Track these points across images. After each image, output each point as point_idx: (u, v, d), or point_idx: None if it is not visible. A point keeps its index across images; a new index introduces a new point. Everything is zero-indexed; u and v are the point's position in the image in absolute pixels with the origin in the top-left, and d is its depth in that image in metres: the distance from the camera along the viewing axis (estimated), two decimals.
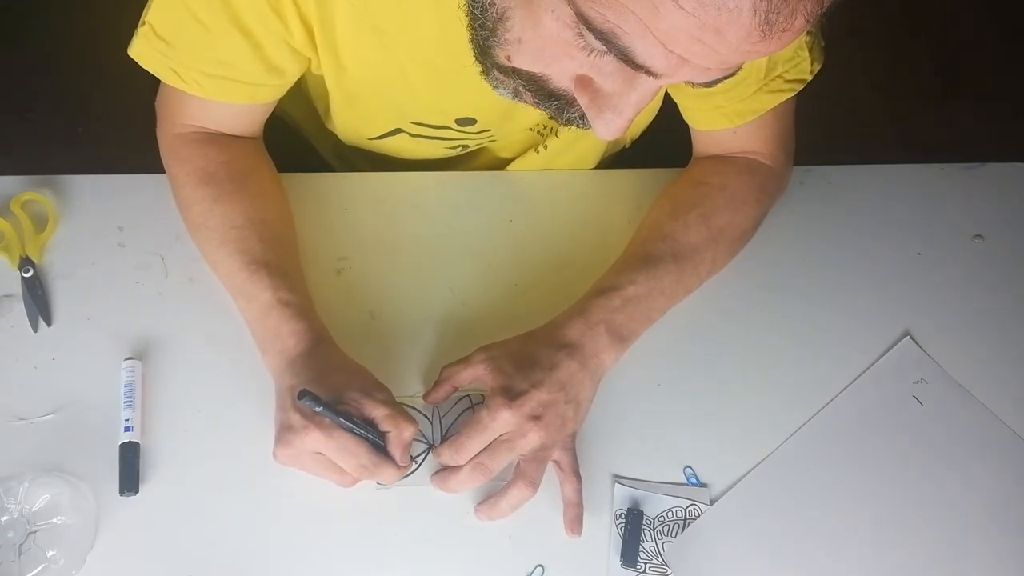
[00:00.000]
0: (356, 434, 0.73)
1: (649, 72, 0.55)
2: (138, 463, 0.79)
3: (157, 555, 0.76)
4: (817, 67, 0.86)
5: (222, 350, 0.84)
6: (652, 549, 0.79)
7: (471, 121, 0.88)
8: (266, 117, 0.90)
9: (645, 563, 0.78)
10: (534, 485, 0.77)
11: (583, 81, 0.60)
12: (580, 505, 0.79)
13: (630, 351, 0.84)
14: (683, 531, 0.80)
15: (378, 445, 0.75)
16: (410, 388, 0.84)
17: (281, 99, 0.87)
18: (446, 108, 0.88)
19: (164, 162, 0.88)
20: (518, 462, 0.78)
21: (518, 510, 0.77)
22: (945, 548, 0.81)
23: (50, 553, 0.74)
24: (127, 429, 0.79)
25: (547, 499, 0.79)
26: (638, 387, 0.86)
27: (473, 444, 0.77)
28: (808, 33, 0.83)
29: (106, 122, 1.77)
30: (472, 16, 0.62)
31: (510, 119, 0.89)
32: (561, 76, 0.61)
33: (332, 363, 0.79)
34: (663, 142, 1.00)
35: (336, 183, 0.97)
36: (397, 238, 0.92)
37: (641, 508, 0.80)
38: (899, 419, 0.86)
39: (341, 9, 0.76)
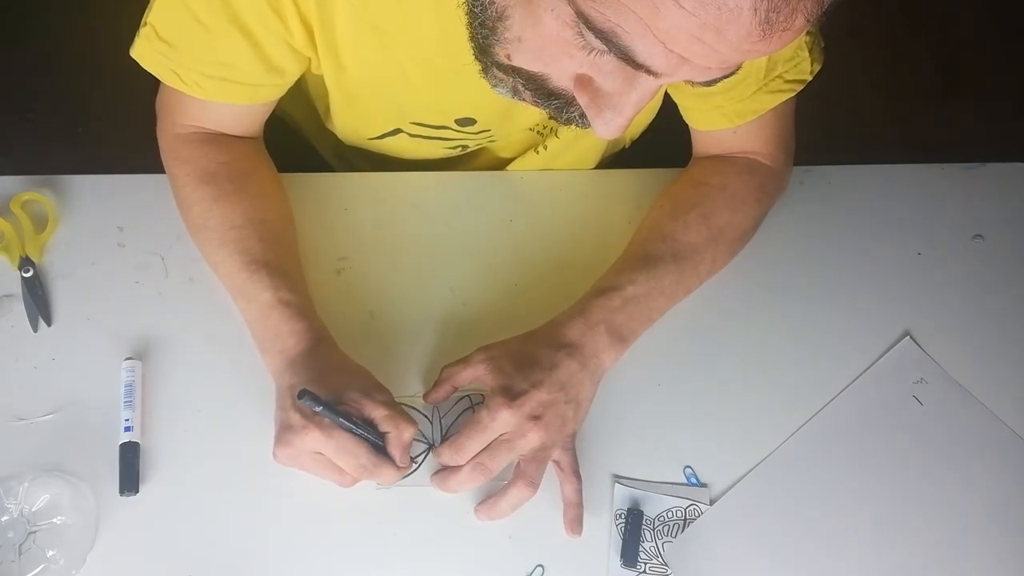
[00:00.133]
0: (356, 434, 0.73)
1: (649, 71, 0.55)
2: (138, 463, 0.79)
3: (157, 555, 0.76)
4: (817, 67, 0.86)
5: (222, 350, 0.84)
6: (652, 549, 0.79)
7: (471, 121, 0.88)
8: (266, 117, 0.90)
9: (645, 563, 0.78)
10: (534, 485, 0.77)
11: (583, 80, 0.60)
12: (580, 505, 0.79)
13: (630, 351, 0.84)
14: (683, 531, 0.80)
15: (378, 445, 0.75)
16: (410, 388, 0.84)
17: (281, 99, 0.87)
18: (446, 108, 0.88)
19: (164, 162, 0.88)
20: (518, 462, 0.78)
21: (518, 510, 0.77)
22: (945, 548, 0.81)
23: (50, 553, 0.74)
24: (127, 429, 0.79)
25: (547, 499, 0.79)
26: (638, 387, 0.86)
27: (473, 444, 0.77)
28: (808, 33, 0.83)
29: (106, 122, 1.77)
30: (472, 15, 0.62)
31: (510, 119, 0.89)
32: (561, 75, 0.61)
33: (332, 363, 0.79)
34: (663, 142, 1.00)
35: (336, 183, 0.97)
36: (397, 238, 0.92)
37: (641, 508, 0.80)
38: (899, 419, 0.86)
39: (341, 9, 0.76)
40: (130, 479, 0.78)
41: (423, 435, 0.81)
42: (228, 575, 0.76)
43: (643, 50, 0.53)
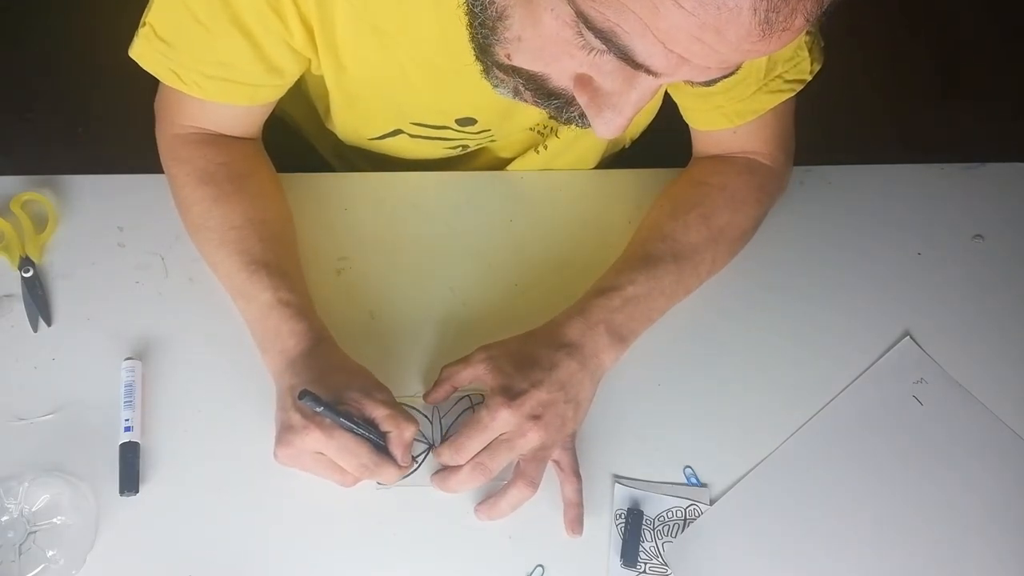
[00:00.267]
0: (357, 434, 0.73)
1: (649, 71, 0.55)
2: (138, 463, 0.79)
3: (157, 555, 0.76)
4: (817, 67, 0.86)
5: (222, 350, 0.84)
6: (652, 549, 0.79)
7: (471, 121, 0.88)
8: (265, 118, 0.90)
9: (645, 563, 0.78)
10: (534, 485, 0.77)
11: (583, 80, 0.60)
12: (580, 505, 0.79)
13: (630, 351, 0.84)
14: (683, 531, 0.80)
15: (379, 445, 0.75)
16: (410, 388, 0.84)
17: (281, 99, 0.87)
18: (446, 108, 0.88)
19: (163, 163, 0.88)
20: (518, 462, 0.78)
21: (518, 510, 0.77)
22: (945, 548, 0.81)
23: (50, 553, 0.74)
24: (127, 429, 0.79)
25: (547, 499, 0.79)
26: (638, 387, 0.86)
27: (473, 444, 0.77)
28: (808, 33, 0.83)
29: (106, 122, 1.77)
30: (472, 14, 0.62)
31: (510, 119, 0.89)
32: (561, 75, 0.61)
33: (332, 363, 0.79)
34: (663, 142, 1.00)
35: (336, 183, 0.97)
36: (397, 238, 0.92)
37: (641, 508, 0.80)
38: (899, 419, 0.86)
39: (341, 9, 0.76)
40: (130, 479, 0.78)
41: (423, 435, 0.81)
42: (228, 575, 0.76)
43: (643, 50, 0.53)
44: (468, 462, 0.77)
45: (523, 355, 0.80)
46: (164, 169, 0.88)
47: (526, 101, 0.66)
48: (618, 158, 1.07)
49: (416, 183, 0.97)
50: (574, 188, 0.98)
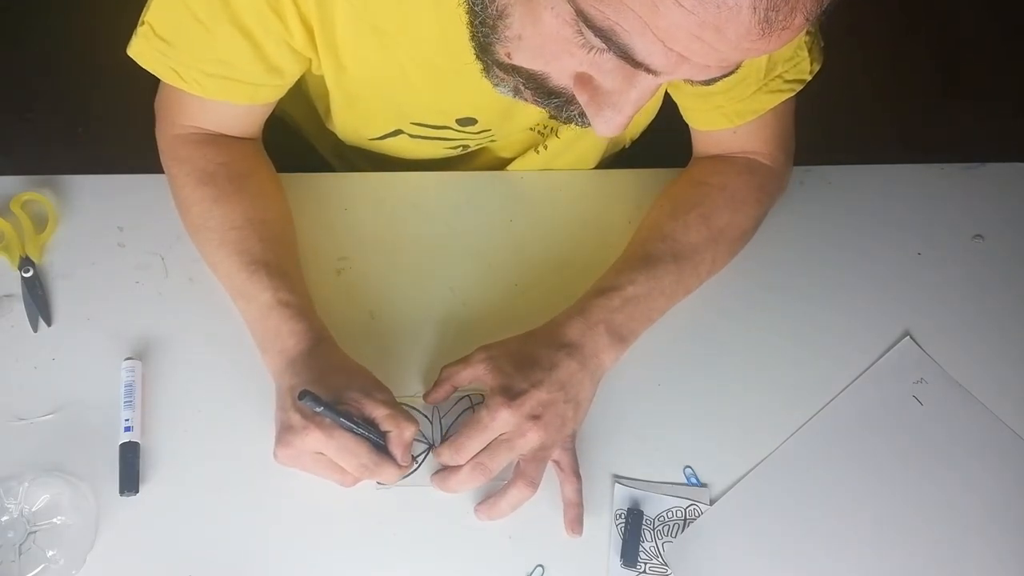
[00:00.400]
0: (357, 434, 0.73)
1: (648, 70, 0.55)
2: (138, 463, 0.79)
3: (157, 555, 0.76)
4: (816, 67, 0.86)
5: (222, 350, 0.84)
6: (652, 549, 0.79)
7: (471, 121, 0.88)
8: (265, 118, 0.90)
9: (645, 563, 0.78)
10: (534, 485, 0.77)
11: (582, 79, 0.60)
12: (580, 505, 0.79)
13: (630, 351, 0.84)
14: (683, 531, 0.80)
15: (379, 445, 0.75)
16: (410, 388, 0.84)
17: (281, 99, 0.87)
18: (446, 108, 0.88)
19: (163, 163, 0.88)
20: (518, 462, 0.78)
21: (518, 510, 0.77)
22: (945, 548, 0.81)
23: (50, 553, 0.74)
24: (127, 429, 0.79)
25: (547, 499, 0.79)
26: (638, 387, 0.86)
27: (473, 444, 0.77)
28: (807, 33, 0.83)
29: (106, 122, 1.77)
30: (472, 13, 0.63)
31: (510, 119, 0.89)
32: (561, 74, 0.61)
33: (332, 363, 0.79)
34: (663, 142, 1.00)
35: (336, 183, 0.97)
36: (397, 238, 0.92)
37: (641, 508, 0.80)
38: (899, 419, 0.86)
39: (341, 9, 0.76)
40: (130, 479, 0.78)
41: (423, 435, 0.81)
42: (228, 575, 0.76)
43: (642, 48, 0.53)
44: (468, 462, 0.77)
45: (523, 355, 0.80)
46: (164, 169, 0.88)
47: (526, 100, 0.66)
48: (618, 158, 1.07)
49: (416, 183, 0.97)
50: (574, 188, 0.98)
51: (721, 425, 0.85)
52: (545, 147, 0.98)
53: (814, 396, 0.87)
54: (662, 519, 0.80)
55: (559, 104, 0.64)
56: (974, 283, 0.94)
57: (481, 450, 0.77)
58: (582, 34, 0.55)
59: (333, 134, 0.98)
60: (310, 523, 0.78)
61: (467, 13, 0.63)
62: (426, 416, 0.83)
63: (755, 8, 0.49)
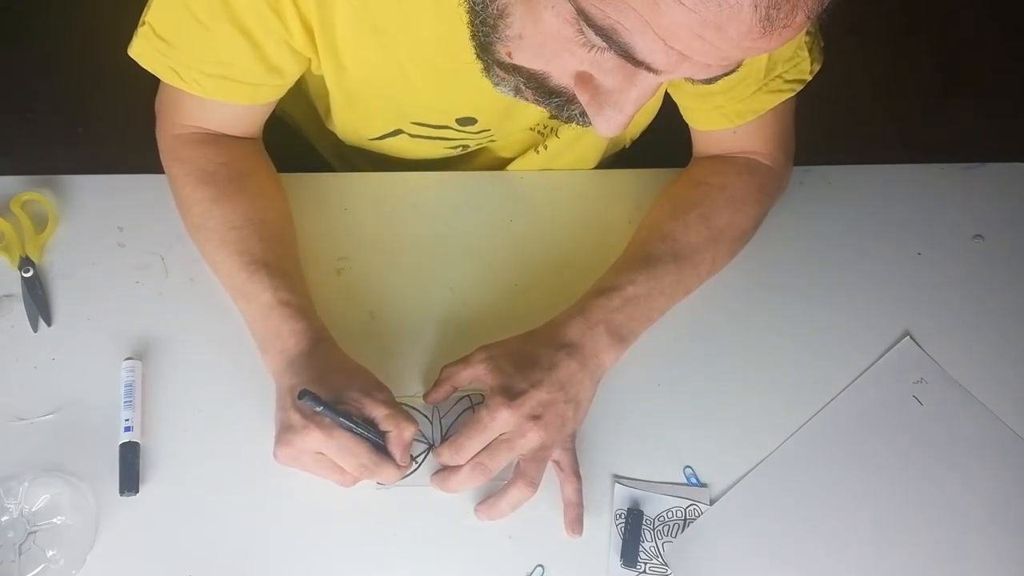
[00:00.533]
0: (356, 434, 0.73)
1: (649, 68, 0.55)
2: (138, 463, 0.79)
3: (157, 555, 0.76)
4: (817, 67, 0.86)
5: (222, 350, 0.84)
6: (652, 549, 0.79)
7: (471, 121, 0.88)
8: (265, 118, 0.90)
9: (645, 563, 0.78)
10: (534, 485, 0.77)
11: (583, 78, 0.60)
12: (580, 505, 0.79)
13: (630, 351, 0.84)
14: (683, 531, 0.80)
15: (378, 445, 0.75)
16: (410, 388, 0.84)
17: (281, 99, 0.87)
18: (446, 108, 0.88)
19: (163, 163, 0.88)
20: (518, 462, 0.78)
21: (518, 510, 0.77)
22: (945, 548, 0.81)
23: (50, 553, 0.74)
24: (127, 429, 0.79)
25: (547, 499, 0.79)
26: (638, 387, 0.86)
27: (473, 444, 0.77)
28: (808, 33, 0.83)
29: (106, 122, 1.77)
30: (473, 12, 0.63)
31: (510, 119, 0.89)
32: (561, 73, 0.61)
33: (332, 363, 0.79)
34: (663, 142, 1.00)
35: (336, 183, 0.97)
36: (397, 238, 0.92)
37: (641, 508, 0.80)
38: (899, 419, 0.86)
39: (341, 9, 0.76)
40: (130, 479, 0.78)
41: (423, 435, 0.81)
42: (228, 575, 0.76)
43: (643, 47, 0.53)
44: (468, 462, 0.77)
45: (523, 355, 0.80)
46: (164, 169, 0.88)
47: (527, 100, 0.66)
48: (618, 158, 1.07)
49: (416, 183, 0.97)
50: (574, 188, 0.98)
51: (721, 425, 0.85)
52: (545, 147, 0.98)
53: (814, 396, 0.87)
54: (662, 519, 0.80)
55: (560, 103, 0.64)
56: (974, 283, 0.94)
57: (481, 450, 0.77)
58: (583, 33, 0.55)
59: (333, 134, 0.98)
60: (310, 523, 0.78)
61: (467, 12, 0.63)
62: (426, 416, 0.83)
63: (756, 6, 0.49)
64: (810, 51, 0.85)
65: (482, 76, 0.67)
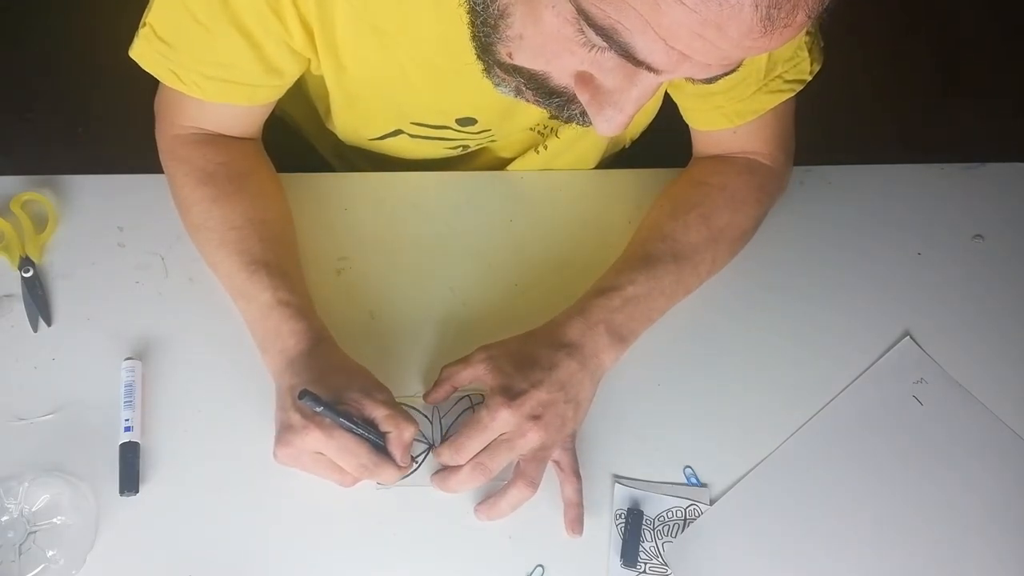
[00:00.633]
0: (356, 434, 0.73)
1: (650, 68, 0.55)
2: (138, 463, 0.79)
3: (157, 555, 0.76)
4: (817, 67, 0.86)
5: (222, 350, 0.84)
6: (652, 549, 0.79)
7: (472, 121, 0.88)
8: (265, 118, 0.90)
9: (645, 563, 0.78)
10: (534, 485, 0.77)
11: (584, 78, 0.60)
12: (580, 505, 0.79)
13: (630, 351, 0.84)
14: (683, 531, 0.80)
15: (378, 445, 0.75)
16: (410, 388, 0.84)
17: (281, 99, 0.87)
18: (446, 108, 0.88)
19: (163, 163, 0.88)
20: (518, 462, 0.78)
21: (518, 510, 0.77)
22: (945, 548, 0.81)
23: (50, 553, 0.74)
24: (127, 429, 0.79)
25: (547, 499, 0.79)
26: (638, 387, 0.86)
27: (473, 444, 0.77)
28: (808, 33, 0.83)
29: (106, 122, 1.77)
30: (473, 13, 0.63)
31: (510, 119, 0.89)
32: (562, 73, 0.61)
33: (332, 363, 0.79)
34: (663, 142, 1.00)
35: (336, 183, 0.97)
36: (397, 238, 0.92)
37: (641, 508, 0.80)
38: (899, 419, 0.86)
39: (341, 9, 0.76)
40: (130, 479, 0.78)
41: (423, 435, 0.81)
42: (228, 575, 0.76)
43: (644, 47, 0.53)
44: (468, 462, 0.77)
45: (523, 355, 0.80)
46: (164, 169, 0.88)
47: (527, 100, 0.66)
48: (618, 158, 1.07)
49: (416, 183, 0.97)
50: (574, 188, 0.98)
51: (721, 425, 0.85)
52: (545, 147, 0.98)
53: (814, 396, 0.87)
54: (662, 519, 0.80)
55: (560, 103, 0.64)
56: (974, 283, 0.94)
57: (481, 450, 0.77)
58: (583, 33, 0.55)
59: (333, 134, 0.98)
60: (310, 523, 0.78)
61: (468, 13, 0.63)
62: (426, 416, 0.83)
63: (757, 6, 0.49)
64: (810, 51, 0.85)
65: (482, 76, 0.67)
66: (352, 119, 0.93)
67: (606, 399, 0.83)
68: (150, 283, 0.88)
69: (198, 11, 0.76)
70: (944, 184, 1.00)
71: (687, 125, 0.93)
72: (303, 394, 0.71)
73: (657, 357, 0.87)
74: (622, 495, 0.81)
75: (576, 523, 0.78)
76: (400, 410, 0.76)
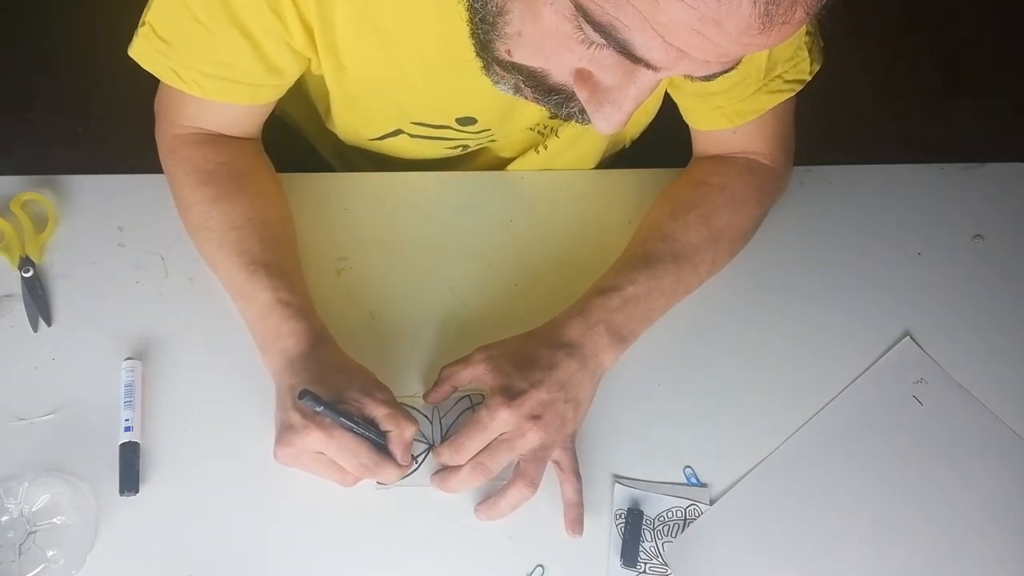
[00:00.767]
0: (357, 433, 0.73)
1: (648, 65, 0.55)
2: (138, 463, 0.79)
3: (157, 555, 0.76)
4: (816, 67, 0.86)
5: (222, 350, 0.84)
6: (652, 549, 0.79)
7: (471, 121, 0.88)
8: (265, 118, 0.90)
9: (645, 563, 0.78)
10: (534, 485, 0.77)
11: (582, 75, 0.60)
12: (581, 505, 0.79)
13: (630, 351, 0.84)
14: (683, 531, 0.80)
15: (379, 444, 0.75)
16: (410, 388, 0.84)
17: (281, 99, 0.87)
18: (446, 107, 0.88)
19: (163, 163, 0.88)
20: (518, 462, 0.78)
21: (518, 510, 0.77)
22: (945, 548, 0.81)
23: (50, 553, 0.74)
24: (127, 429, 0.79)
25: (547, 499, 0.79)
26: (638, 387, 0.86)
27: (473, 444, 0.77)
28: (807, 33, 0.83)
29: (106, 122, 1.77)
30: (472, 10, 0.63)
31: (510, 118, 0.89)
32: (561, 70, 0.61)
33: (332, 363, 0.79)
34: (663, 142, 1.00)
35: (336, 183, 0.97)
36: (397, 238, 0.92)
37: (641, 508, 0.80)
38: (899, 419, 0.86)
39: (341, 9, 0.76)
40: (130, 479, 0.78)
41: (423, 435, 0.81)
42: (228, 575, 0.76)
43: (642, 43, 0.53)
44: (468, 462, 0.77)
45: (523, 355, 0.80)
46: (164, 169, 0.89)
47: (526, 98, 0.66)
48: (618, 158, 1.07)
49: (416, 183, 0.97)
50: (574, 188, 0.98)
51: (721, 425, 0.85)
52: (545, 147, 0.98)
53: (814, 396, 0.87)
54: (662, 519, 0.80)
55: (559, 101, 0.64)
56: (974, 283, 0.94)
57: (481, 450, 0.77)
58: (581, 30, 0.55)
59: (333, 134, 0.98)
60: (310, 523, 0.78)
61: (467, 10, 0.63)
62: (426, 416, 0.83)
63: (755, 2, 0.49)
64: (810, 51, 0.85)
65: (482, 75, 0.67)
66: (352, 119, 0.93)
67: (606, 399, 0.83)
68: (150, 283, 0.88)
69: (198, 10, 0.76)
70: (944, 184, 1.00)
71: (687, 125, 0.93)
72: (303, 394, 0.71)
73: (657, 357, 0.87)
74: (622, 495, 0.81)
75: (576, 523, 0.78)
76: (400, 409, 0.76)
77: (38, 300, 0.85)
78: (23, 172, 0.93)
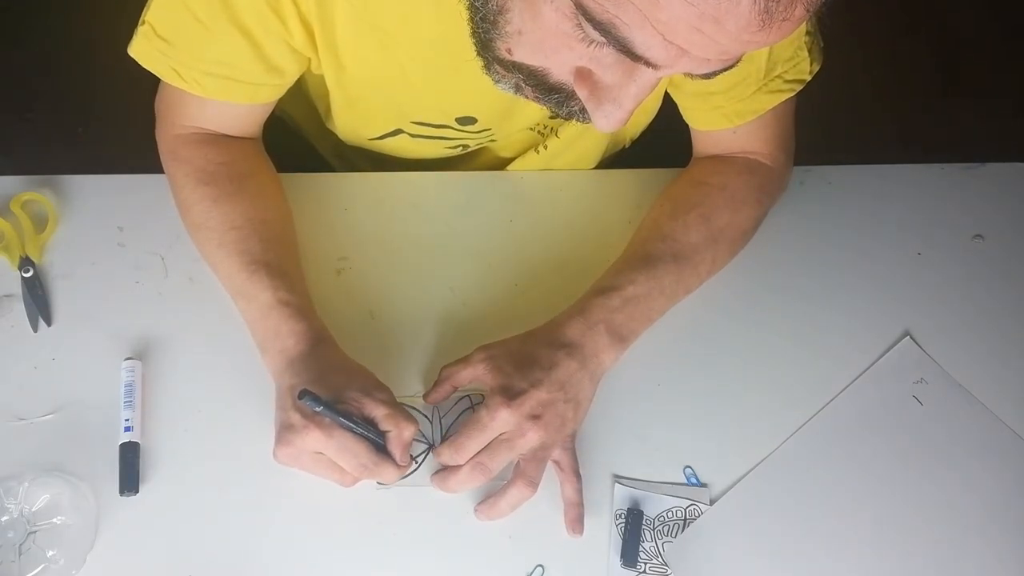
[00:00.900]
0: (356, 433, 0.73)
1: (648, 63, 0.55)
2: (138, 463, 0.79)
3: (157, 555, 0.76)
4: (816, 67, 0.86)
5: (222, 350, 0.84)
6: (652, 549, 0.79)
7: (471, 120, 0.88)
8: (265, 118, 0.90)
9: (645, 563, 0.78)
10: (534, 485, 0.77)
11: (583, 73, 0.60)
12: (581, 505, 0.79)
13: (630, 351, 0.84)
14: (683, 531, 0.80)
15: (378, 444, 0.75)
16: (410, 388, 0.84)
17: (281, 99, 0.87)
18: (446, 107, 0.88)
19: (163, 163, 0.88)
20: (518, 462, 0.78)
21: (518, 510, 0.77)
22: (945, 548, 0.81)
23: (50, 553, 0.74)
24: (127, 429, 0.79)
25: (547, 499, 0.79)
26: (638, 387, 0.86)
27: (473, 444, 0.77)
28: (807, 33, 0.83)
29: (106, 122, 1.77)
30: (472, 9, 0.63)
31: (510, 118, 0.89)
32: (561, 69, 0.61)
33: (332, 363, 0.79)
34: (663, 142, 1.00)
35: (336, 183, 0.97)
36: (397, 238, 0.92)
37: (641, 508, 0.80)
38: (899, 419, 0.86)
39: (341, 9, 0.76)
40: (130, 479, 0.78)
41: (423, 435, 0.81)
42: (228, 575, 0.76)
43: (642, 41, 0.53)
44: (468, 462, 0.77)
45: (523, 355, 0.80)
46: (164, 169, 0.89)
47: (527, 97, 0.66)
48: (618, 158, 1.07)
49: (416, 183, 0.97)
50: (574, 188, 0.98)
51: (721, 425, 0.85)
52: (545, 147, 0.98)
53: (814, 396, 0.87)
54: (662, 519, 0.80)
55: (559, 100, 0.64)
56: (974, 283, 0.94)
57: (481, 450, 0.77)
58: (582, 28, 0.55)
59: (333, 134, 0.98)
60: (310, 523, 0.78)
61: (467, 9, 0.63)
62: (426, 416, 0.83)
63: None
64: (810, 51, 0.85)
65: (482, 75, 0.67)
66: (352, 119, 0.93)
67: (606, 399, 0.83)
68: (150, 283, 0.88)
69: (198, 9, 0.76)
70: (944, 184, 1.00)
71: (687, 125, 0.93)
72: (303, 394, 0.71)
73: (657, 357, 0.87)
74: (622, 495, 0.81)
75: (577, 523, 0.78)
76: (400, 409, 0.76)
77: (38, 300, 0.85)
78: (23, 172, 0.93)
